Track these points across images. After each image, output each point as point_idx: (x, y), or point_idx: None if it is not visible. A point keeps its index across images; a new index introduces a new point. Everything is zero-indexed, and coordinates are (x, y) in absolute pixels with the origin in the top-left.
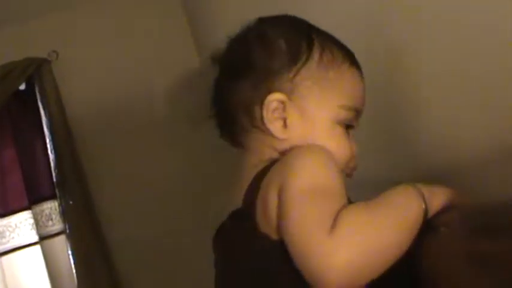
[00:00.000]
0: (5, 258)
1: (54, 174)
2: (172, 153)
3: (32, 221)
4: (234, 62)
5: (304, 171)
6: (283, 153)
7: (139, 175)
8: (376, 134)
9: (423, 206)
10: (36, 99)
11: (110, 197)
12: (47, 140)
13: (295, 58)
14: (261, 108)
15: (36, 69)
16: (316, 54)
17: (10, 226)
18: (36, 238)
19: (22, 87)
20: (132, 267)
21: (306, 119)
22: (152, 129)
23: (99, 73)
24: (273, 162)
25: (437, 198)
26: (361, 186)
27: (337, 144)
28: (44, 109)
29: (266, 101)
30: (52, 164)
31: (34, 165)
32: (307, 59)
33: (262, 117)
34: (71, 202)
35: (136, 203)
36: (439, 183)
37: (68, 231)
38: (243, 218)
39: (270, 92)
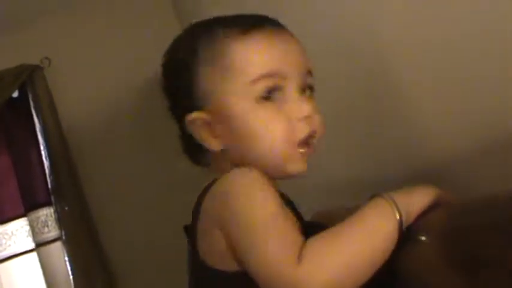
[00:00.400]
0: (1, 266)
1: (49, 181)
2: (168, 158)
3: (27, 228)
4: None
5: (244, 208)
6: (239, 163)
7: (134, 180)
8: (367, 133)
9: (397, 217)
10: (30, 106)
11: (106, 202)
12: (41, 147)
13: (188, 68)
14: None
15: (28, 76)
16: (203, 53)
17: (6, 234)
18: (32, 245)
19: (15, 94)
20: (129, 273)
21: (227, 118)
22: (147, 134)
23: (92, 79)
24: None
25: (417, 202)
26: (352, 187)
27: (264, 124)
28: (37, 116)
29: (187, 124)
30: (47, 171)
31: (29, 172)
32: (198, 63)
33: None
34: (66, 208)
35: (132, 208)
36: (428, 181)
37: (64, 237)
38: (189, 239)
39: (186, 113)
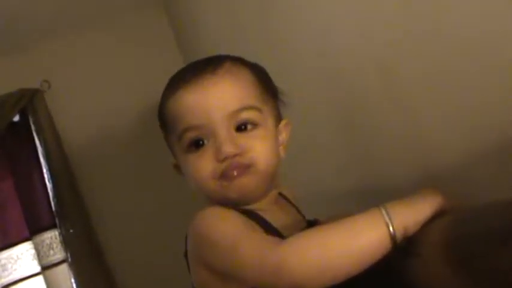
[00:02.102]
0: None
1: (53, 203)
2: (172, 179)
3: (33, 251)
4: None
5: (212, 236)
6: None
7: (138, 200)
8: (364, 141)
9: (387, 227)
10: (31, 130)
11: (111, 223)
12: (44, 170)
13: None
14: None
15: (29, 100)
16: (159, 120)
17: (12, 258)
18: (38, 268)
19: (16, 118)
20: None
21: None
22: (149, 154)
23: (92, 100)
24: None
25: (420, 212)
26: (348, 195)
27: (192, 172)
28: (39, 139)
29: (173, 168)
30: (50, 194)
31: (32, 196)
32: (162, 127)
33: None
34: (71, 230)
35: (137, 228)
36: (428, 187)
37: (69, 259)
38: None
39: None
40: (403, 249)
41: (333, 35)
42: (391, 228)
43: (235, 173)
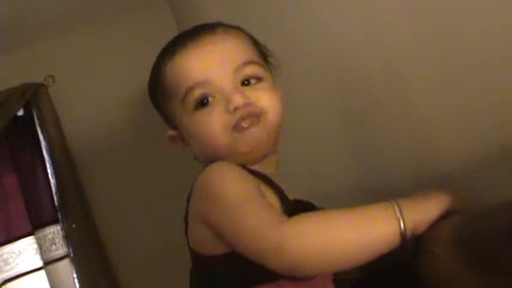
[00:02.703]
0: (10, 285)
1: (55, 199)
2: (175, 172)
3: (35, 246)
4: None
5: (220, 192)
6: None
7: (142, 195)
8: (371, 141)
9: (399, 223)
10: (35, 124)
11: (113, 218)
12: (47, 165)
13: (156, 104)
14: None
15: (33, 95)
16: (156, 89)
17: (14, 253)
18: (40, 263)
19: (20, 113)
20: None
21: (185, 133)
22: (152, 149)
23: (96, 95)
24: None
25: (430, 210)
26: (351, 193)
27: (201, 130)
28: (42, 134)
29: (168, 141)
30: (53, 188)
31: (35, 191)
32: (156, 98)
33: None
34: (73, 225)
35: (140, 223)
36: (435, 188)
37: (72, 254)
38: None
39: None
40: (413, 247)
41: (341, 36)
42: (401, 224)
43: (247, 123)
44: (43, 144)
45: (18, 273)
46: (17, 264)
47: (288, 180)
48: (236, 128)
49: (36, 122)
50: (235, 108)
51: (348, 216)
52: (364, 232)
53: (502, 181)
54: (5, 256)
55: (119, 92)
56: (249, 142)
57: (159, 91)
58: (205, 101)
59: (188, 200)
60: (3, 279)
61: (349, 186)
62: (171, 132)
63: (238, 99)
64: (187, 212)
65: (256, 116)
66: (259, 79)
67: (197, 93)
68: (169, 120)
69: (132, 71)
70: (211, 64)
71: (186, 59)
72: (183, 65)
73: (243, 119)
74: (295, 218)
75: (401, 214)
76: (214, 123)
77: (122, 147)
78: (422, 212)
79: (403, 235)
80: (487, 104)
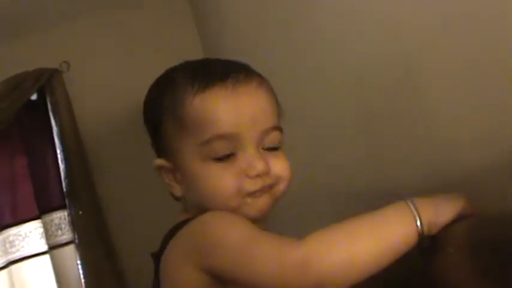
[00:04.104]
0: (14, 267)
1: (64, 184)
2: None
3: (41, 230)
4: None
5: (224, 237)
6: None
7: (149, 185)
8: (383, 140)
9: (417, 223)
10: (48, 110)
11: (120, 207)
12: (58, 150)
13: (155, 118)
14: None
15: (47, 80)
16: (166, 104)
17: (20, 235)
18: (45, 247)
19: (33, 97)
20: (142, 277)
21: (182, 171)
22: None
23: (110, 83)
24: (186, 221)
25: (444, 212)
26: (365, 194)
27: (211, 182)
28: (55, 119)
29: (154, 168)
30: (62, 174)
31: (44, 175)
32: (162, 114)
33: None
34: (80, 212)
35: (146, 213)
36: (450, 190)
37: (77, 241)
38: (155, 268)
39: (156, 157)
40: (429, 246)
41: (359, 35)
42: (418, 223)
43: (262, 192)
44: (54, 129)
45: (22, 256)
46: (23, 246)
47: None
48: (250, 195)
49: (49, 107)
50: (256, 175)
51: (366, 221)
52: (385, 236)
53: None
54: (11, 238)
55: (134, 80)
56: (260, 210)
57: (173, 119)
58: (228, 155)
59: (162, 245)
60: (8, 261)
61: (363, 187)
62: (163, 162)
63: (261, 167)
64: (161, 254)
65: (269, 186)
66: (278, 147)
67: (224, 145)
68: (167, 149)
69: (149, 59)
70: (245, 119)
71: (219, 102)
72: (215, 107)
73: (262, 188)
74: (314, 235)
75: (417, 213)
76: (229, 183)
77: (134, 136)
78: (437, 212)
79: (420, 234)
80: (505, 105)
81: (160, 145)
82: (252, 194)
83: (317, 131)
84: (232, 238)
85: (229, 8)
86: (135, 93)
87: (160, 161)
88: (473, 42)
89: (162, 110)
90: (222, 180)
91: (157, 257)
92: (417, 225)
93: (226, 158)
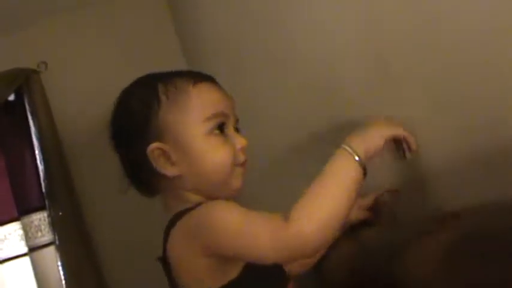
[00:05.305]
0: None
1: (43, 185)
2: None
3: (21, 232)
4: (114, 133)
5: (225, 221)
6: (191, 190)
7: (129, 185)
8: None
9: (355, 160)
10: (25, 110)
11: (100, 208)
12: (36, 151)
13: (149, 109)
14: (150, 161)
15: (25, 80)
16: (163, 96)
17: None
18: (25, 249)
19: (11, 97)
20: (122, 278)
21: (183, 147)
22: None
23: (89, 84)
24: (184, 211)
25: (372, 139)
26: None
27: (216, 153)
28: (33, 120)
29: (148, 154)
30: (41, 175)
31: (23, 176)
32: (158, 104)
33: (155, 167)
34: (60, 213)
35: (126, 213)
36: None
37: (57, 242)
38: (166, 270)
39: (147, 145)
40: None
41: (333, 32)
42: (357, 158)
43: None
44: (33, 130)
45: (2, 259)
46: (2, 249)
47: None
48: (241, 165)
49: (27, 107)
50: (242, 148)
51: (324, 182)
52: (342, 183)
53: (489, 181)
54: None
55: (112, 80)
56: (242, 179)
57: (175, 105)
58: (222, 129)
59: (165, 243)
60: None
61: None
62: (158, 145)
63: (245, 141)
64: (165, 255)
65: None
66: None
67: (220, 120)
68: (164, 134)
69: (127, 59)
70: (228, 105)
71: (213, 90)
72: (211, 93)
73: (245, 160)
74: (295, 210)
75: (352, 150)
76: (228, 152)
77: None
78: (365, 140)
79: (362, 164)
80: (478, 101)
81: (150, 133)
82: (240, 165)
83: (288, 128)
84: (229, 222)
85: (207, 9)
86: (114, 93)
87: (157, 144)
88: (448, 40)
89: (159, 102)
90: (223, 149)
91: (163, 260)
92: (356, 160)
93: (221, 132)
